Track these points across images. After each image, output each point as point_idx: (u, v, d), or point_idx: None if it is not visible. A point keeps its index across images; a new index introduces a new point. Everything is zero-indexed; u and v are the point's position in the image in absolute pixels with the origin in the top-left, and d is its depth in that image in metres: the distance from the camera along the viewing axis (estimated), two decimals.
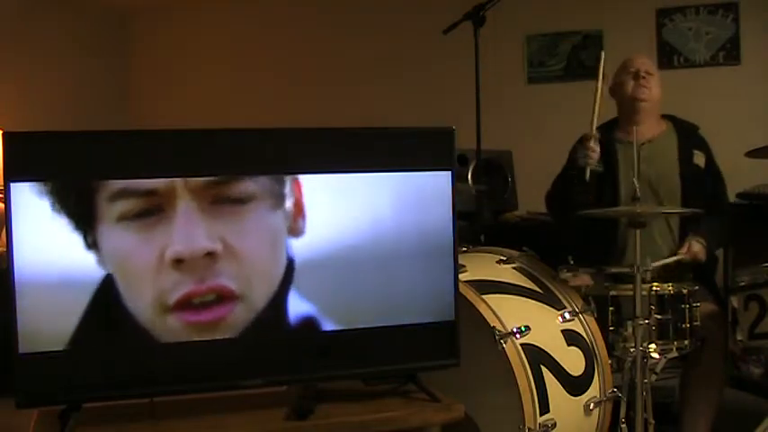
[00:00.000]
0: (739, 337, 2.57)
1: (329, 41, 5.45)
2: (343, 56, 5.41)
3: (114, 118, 5.56)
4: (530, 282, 2.52)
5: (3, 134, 1.85)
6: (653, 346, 2.41)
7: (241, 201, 2.00)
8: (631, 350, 2.33)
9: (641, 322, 2.32)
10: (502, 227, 4.01)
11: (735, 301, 2.61)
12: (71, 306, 1.86)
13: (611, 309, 2.47)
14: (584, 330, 2.43)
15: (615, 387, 2.40)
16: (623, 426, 2.35)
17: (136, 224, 1.91)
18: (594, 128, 2.69)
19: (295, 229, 2.03)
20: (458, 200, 2.16)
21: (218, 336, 1.98)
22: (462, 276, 2.33)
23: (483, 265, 2.57)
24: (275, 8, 5.63)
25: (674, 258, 2.64)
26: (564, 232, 3.04)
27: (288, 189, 2.03)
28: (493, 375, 2.25)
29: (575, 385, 2.33)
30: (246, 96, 5.54)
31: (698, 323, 2.50)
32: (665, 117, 2.94)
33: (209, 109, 5.34)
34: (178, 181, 1.92)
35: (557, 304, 2.46)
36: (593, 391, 2.37)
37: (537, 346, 2.28)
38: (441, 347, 2.15)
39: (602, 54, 2.71)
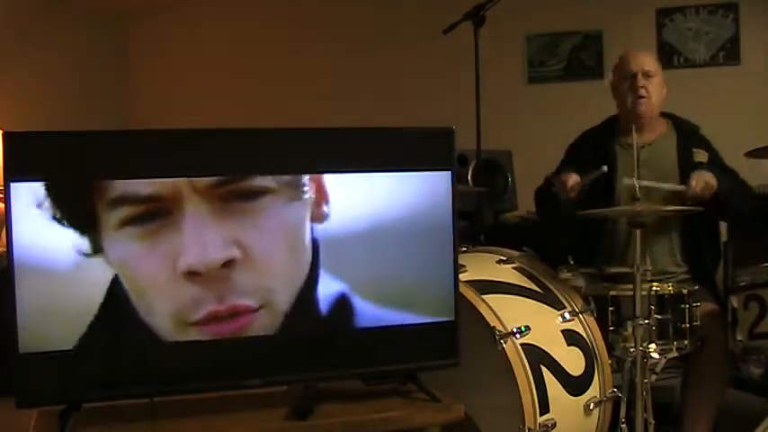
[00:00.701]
0: (739, 337, 2.56)
1: (329, 41, 5.45)
2: (342, 56, 5.41)
3: (114, 118, 5.56)
4: (530, 282, 2.52)
5: (3, 134, 1.85)
6: (653, 346, 2.40)
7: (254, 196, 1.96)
8: (631, 350, 2.33)
9: (641, 322, 2.32)
10: (502, 227, 4.01)
11: (735, 301, 2.60)
12: (71, 306, 1.86)
13: (611, 309, 2.47)
14: (584, 330, 2.43)
15: (615, 387, 2.40)
16: (623, 426, 2.35)
17: (140, 229, 1.89)
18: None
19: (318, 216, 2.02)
20: (458, 200, 2.16)
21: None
22: (462, 276, 2.33)
23: (483, 265, 2.57)
24: (275, 8, 5.63)
25: (676, 188, 2.56)
26: (551, 231, 3.03)
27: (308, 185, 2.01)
28: (493, 375, 2.25)
29: (575, 385, 2.33)
30: (246, 96, 5.54)
31: (698, 323, 2.50)
32: (665, 115, 2.89)
33: (209, 109, 5.34)
34: (183, 181, 1.91)
35: (557, 304, 2.46)
36: (593, 391, 2.37)
37: (537, 346, 2.28)
38: (441, 347, 2.15)
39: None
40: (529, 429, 2.18)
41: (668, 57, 4.81)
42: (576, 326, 2.42)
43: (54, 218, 1.84)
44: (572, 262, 2.56)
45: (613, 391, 2.40)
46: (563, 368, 2.31)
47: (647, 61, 2.82)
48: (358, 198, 2.06)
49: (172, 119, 5.46)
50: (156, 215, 1.90)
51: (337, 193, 2.04)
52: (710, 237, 2.86)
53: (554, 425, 2.24)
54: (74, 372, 1.87)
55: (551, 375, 2.28)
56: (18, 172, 1.83)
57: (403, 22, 5.26)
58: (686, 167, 2.78)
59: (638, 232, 2.36)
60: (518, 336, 2.26)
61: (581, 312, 2.46)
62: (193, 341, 1.95)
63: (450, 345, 2.15)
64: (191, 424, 1.97)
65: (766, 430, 2.36)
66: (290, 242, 2.01)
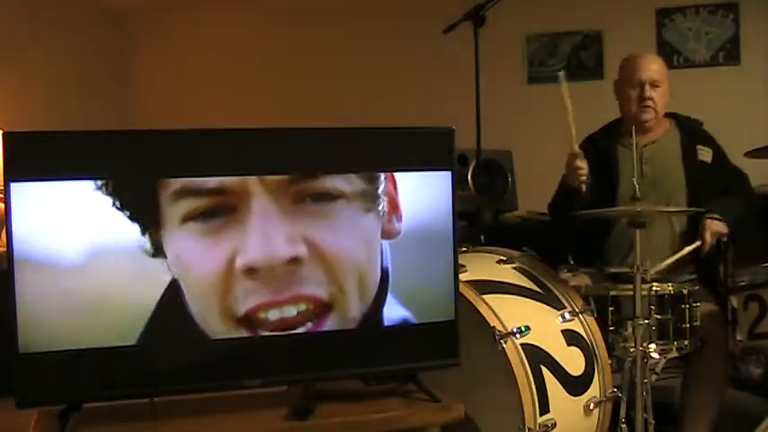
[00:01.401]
0: (739, 338, 2.56)
1: (329, 41, 5.45)
2: (342, 56, 5.41)
3: (114, 118, 5.56)
4: (530, 282, 2.52)
5: (3, 134, 1.85)
6: (653, 346, 2.40)
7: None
8: (631, 350, 2.33)
9: (641, 322, 2.32)
10: (502, 227, 4.01)
11: (735, 301, 2.61)
12: (72, 306, 1.86)
13: (611, 309, 2.47)
14: (584, 330, 2.43)
15: (615, 387, 2.40)
16: (623, 426, 2.34)
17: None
18: (576, 146, 2.64)
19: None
20: (458, 200, 2.15)
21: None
22: (462, 276, 2.33)
23: (483, 265, 2.57)
24: (275, 8, 5.63)
25: (691, 247, 2.58)
26: (564, 236, 3.02)
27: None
28: (493, 375, 2.25)
29: (575, 385, 2.33)
30: (246, 96, 5.54)
31: (698, 323, 2.50)
32: (668, 115, 2.90)
33: (209, 109, 5.34)
34: (173, 181, 1.90)
35: (557, 304, 2.46)
36: (594, 391, 2.37)
37: (537, 346, 2.28)
38: (441, 347, 2.15)
39: (563, 78, 2.62)
40: (529, 429, 2.18)
41: (668, 57, 4.80)
42: (576, 326, 2.42)
43: (54, 218, 1.83)
44: (572, 262, 2.56)
45: (613, 391, 2.40)
46: (563, 368, 2.31)
47: (655, 69, 2.80)
48: None
49: (172, 119, 5.46)
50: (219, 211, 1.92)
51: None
52: None
53: (554, 425, 2.24)
54: (74, 372, 1.87)
55: (551, 375, 2.28)
56: (18, 172, 1.83)
57: (403, 22, 5.26)
58: (690, 165, 2.79)
59: (638, 232, 2.36)
60: (518, 336, 2.26)
61: (581, 312, 2.46)
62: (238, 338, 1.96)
63: (451, 345, 2.15)
64: (191, 424, 1.97)
65: (766, 430, 2.37)
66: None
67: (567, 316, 2.43)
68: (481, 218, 3.53)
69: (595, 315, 2.46)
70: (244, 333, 1.95)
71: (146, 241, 1.88)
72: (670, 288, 2.49)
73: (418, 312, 2.12)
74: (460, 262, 2.32)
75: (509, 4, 3.29)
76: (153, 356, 1.92)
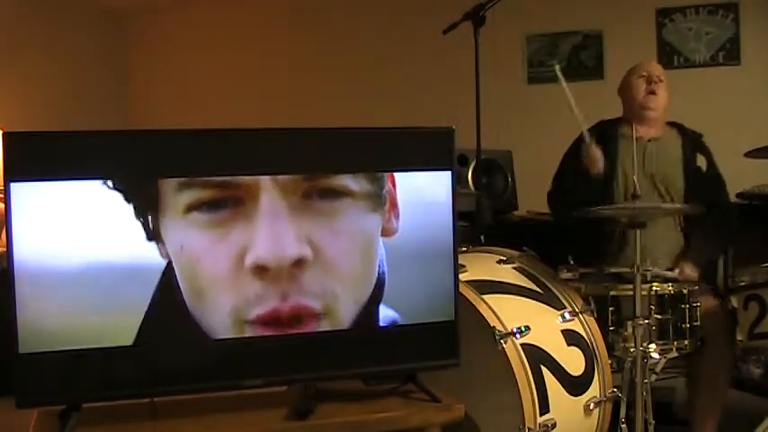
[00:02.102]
0: (739, 338, 2.57)
1: (329, 41, 5.46)
2: (342, 55, 5.42)
3: (114, 117, 5.57)
4: (530, 282, 2.52)
5: (3, 134, 1.84)
6: (653, 346, 2.41)
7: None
8: (631, 350, 2.33)
9: (641, 322, 2.32)
10: (502, 227, 4.01)
11: (735, 301, 2.61)
12: (72, 306, 1.86)
13: (611, 309, 2.47)
14: (584, 330, 2.43)
15: (615, 387, 2.41)
16: (623, 426, 2.35)
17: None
18: (586, 131, 2.68)
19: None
20: (458, 200, 2.15)
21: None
22: (462, 276, 2.33)
23: (483, 265, 2.57)
24: (275, 8, 5.63)
25: (670, 275, 2.62)
26: (565, 230, 3.03)
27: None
28: (493, 375, 2.25)
29: (575, 385, 2.33)
30: (246, 96, 5.54)
31: (698, 323, 2.50)
32: (670, 124, 2.95)
33: (209, 109, 5.35)
34: (171, 181, 1.91)
35: (557, 304, 2.46)
36: (594, 390, 2.37)
37: (537, 346, 2.28)
38: (441, 347, 2.14)
39: (558, 70, 2.71)
40: (529, 429, 2.18)
41: (668, 57, 4.81)
42: (575, 326, 2.42)
43: (54, 218, 1.83)
44: (572, 262, 2.56)
45: (613, 391, 2.40)
46: (563, 368, 2.31)
47: (660, 68, 2.97)
48: None
49: (172, 119, 5.46)
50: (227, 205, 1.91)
51: None
52: None
53: (554, 425, 2.24)
54: (74, 372, 1.87)
55: (551, 375, 2.28)
56: (18, 172, 1.82)
57: (403, 22, 5.26)
58: (689, 168, 2.85)
59: (637, 232, 2.36)
60: (518, 336, 2.26)
61: (581, 312, 2.46)
62: (247, 338, 1.96)
63: (451, 345, 2.14)
64: (191, 424, 1.97)
65: (766, 430, 2.37)
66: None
67: (567, 316, 2.43)
68: (481, 218, 3.52)
69: (595, 315, 2.47)
70: (245, 333, 1.95)
71: (146, 241, 1.88)
72: (670, 288, 2.49)
73: (418, 312, 2.12)
74: (460, 262, 2.32)
75: (509, 4, 3.29)
76: (153, 356, 1.92)
